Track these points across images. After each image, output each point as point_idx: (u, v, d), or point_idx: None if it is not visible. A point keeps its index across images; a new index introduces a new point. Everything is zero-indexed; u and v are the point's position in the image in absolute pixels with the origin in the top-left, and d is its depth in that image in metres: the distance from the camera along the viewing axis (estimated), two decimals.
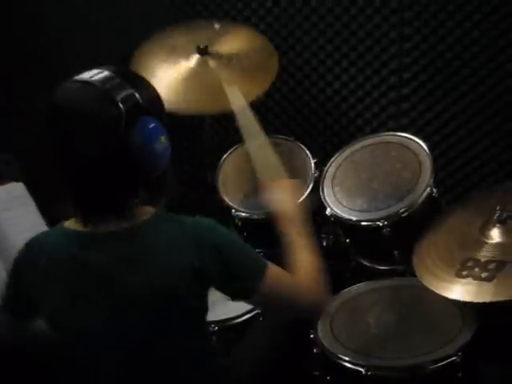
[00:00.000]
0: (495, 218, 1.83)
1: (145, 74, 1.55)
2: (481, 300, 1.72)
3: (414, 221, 2.08)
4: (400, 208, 2.09)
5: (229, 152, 2.52)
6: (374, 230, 2.10)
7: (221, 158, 2.50)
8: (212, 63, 2.55)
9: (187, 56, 2.57)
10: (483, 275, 1.74)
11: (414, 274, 1.93)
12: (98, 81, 1.41)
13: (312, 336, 1.94)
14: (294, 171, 2.40)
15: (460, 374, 1.78)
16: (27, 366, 1.63)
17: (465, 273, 1.78)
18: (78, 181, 1.45)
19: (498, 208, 1.84)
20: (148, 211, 1.50)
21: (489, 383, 2.03)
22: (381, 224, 2.07)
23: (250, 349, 1.84)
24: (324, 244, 2.37)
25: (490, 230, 1.84)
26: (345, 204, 2.18)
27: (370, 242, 2.18)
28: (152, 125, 1.42)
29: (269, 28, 2.80)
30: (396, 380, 1.83)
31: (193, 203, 2.64)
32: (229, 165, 2.49)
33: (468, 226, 1.91)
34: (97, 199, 1.46)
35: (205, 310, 1.54)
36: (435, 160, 2.18)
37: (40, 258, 1.49)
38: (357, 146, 2.34)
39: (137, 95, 1.42)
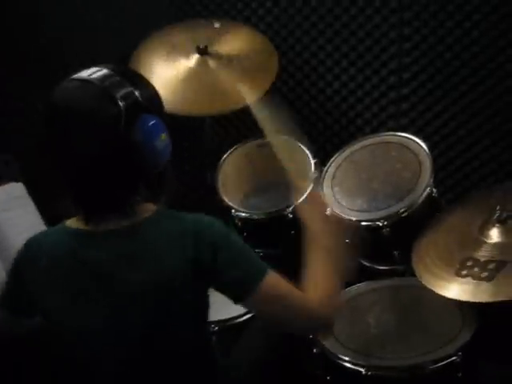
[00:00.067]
0: (495, 217, 1.83)
1: (144, 73, 1.54)
2: (480, 300, 1.72)
3: (414, 221, 2.08)
4: (400, 208, 2.09)
5: (228, 152, 2.52)
6: (373, 230, 2.10)
7: (221, 159, 2.50)
8: (212, 63, 2.55)
9: (187, 56, 2.57)
10: (483, 275, 1.74)
11: (413, 274, 1.93)
12: (96, 79, 1.41)
13: (312, 336, 1.94)
14: (294, 171, 2.40)
15: (460, 374, 1.78)
16: (27, 361, 1.63)
17: (464, 272, 1.78)
18: (78, 180, 1.45)
19: (497, 208, 1.84)
20: (149, 208, 1.50)
21: (489, 383, 2.03)
22: (381, 224, 2.07)
23: (250, 349, 1.84)
24: None
25: (489, 229, 1.84)
26: (344, 204, 2.18)
27: (370, 242, 2.18)
28: (152, 122, 1.42)
29: (269, 28, 2.80)
30: (396, 380, 1.83)
31: (193, 203, 2.63)
32: (229, 165, 2.49)
33: (468, 225, 1.91)
34: (98, 198, 1.46)
35: (205, 306, 1.54)
36: (435, 160, 2.18)
37: (40, 257, 1.49)
38: (356, 146, 2.33)
39: (136, 93, 1.41)
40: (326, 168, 2.30)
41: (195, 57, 2.56)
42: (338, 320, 1.99)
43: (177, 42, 2.63)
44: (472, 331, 1.83)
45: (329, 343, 1.90)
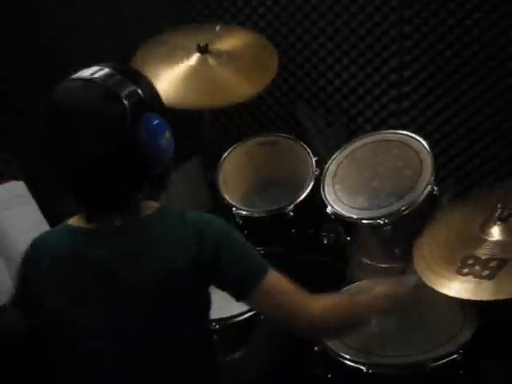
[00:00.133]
0: (496, 215, 1.83)
1: (145, 72, 1.54)
2: (481, 298, 1.72)
3: (415, 219, 2.07)
4: (401, 206, 2.09)
5: (229, 151, 2.52)
6: (374, 228, 2.10)
7: (221, 157, 2.50)
8: (212, 61, 2.55)
9: (188, 54, 2.57)
10: (484, 273, 1.74)
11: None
12: (99, 78, 1.40)
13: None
14: (295, 169, 2.40)
15: (461, 372, 1.78)
16: (38, 361, 1.63)
17: (465, 270, 1.77)
18: (81, 179, 1.45)
19: (498, 206, 1.84)
20: (151, 206, 1.50)
21: (490, 381, 2.03)
22: (382, 222, 2.07)
23: (253, 348, 1.84)
24: (325, 242, 2.37)
25: (490, 227, 1.83)
26: (346, 202, 2.18)
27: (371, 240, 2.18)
28: (156, 121, 1.41)
29: (269, 26, 2.80)
30: (397, 378, 1.83)
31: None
32: (229, 163, 2.49)
33: (469, 223, 1.90)
34: (101, 197, 1.45)
35: (206, 303, 1.54)
36: (436, 158, 2.18)
37: (44, 257, 1.49)
38: (358, 143, 2.33)
39: (139, 91, 1.41)
40: (327, 166, 2.30)
41: (196, 55, 2.56)
42: None
43: (177, 41, 2.63)
44: (473, 329, 1.83)
45: (330, 341, 1.90)
